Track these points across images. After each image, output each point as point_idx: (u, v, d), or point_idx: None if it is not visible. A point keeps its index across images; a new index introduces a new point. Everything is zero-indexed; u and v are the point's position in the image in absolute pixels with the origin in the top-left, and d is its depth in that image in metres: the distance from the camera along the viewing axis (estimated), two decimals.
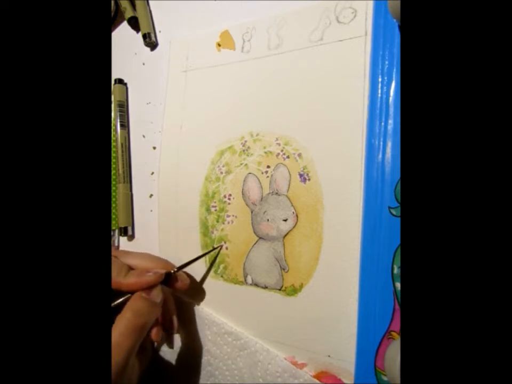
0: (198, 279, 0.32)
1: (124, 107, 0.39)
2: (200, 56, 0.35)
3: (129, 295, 0.27)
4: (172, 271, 0.29)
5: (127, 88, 0.40)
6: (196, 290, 0.32)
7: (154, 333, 0.29)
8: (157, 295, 0.27)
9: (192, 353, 0.31)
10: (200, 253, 0.32)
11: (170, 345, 0.33)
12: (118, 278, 0.27)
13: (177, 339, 0.33)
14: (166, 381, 0.32)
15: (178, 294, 0.32)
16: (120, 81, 0.39)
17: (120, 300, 0.27)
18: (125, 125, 0.38)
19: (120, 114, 0.38)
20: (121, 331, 0.24)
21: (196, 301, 0.32)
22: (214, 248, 0.31)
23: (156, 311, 0.27)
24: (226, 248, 0.31)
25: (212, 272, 0.32)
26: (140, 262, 0.29)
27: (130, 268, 0.29)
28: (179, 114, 0.35)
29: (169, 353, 0.33)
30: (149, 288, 0.27)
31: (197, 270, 0.33)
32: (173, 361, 0.32)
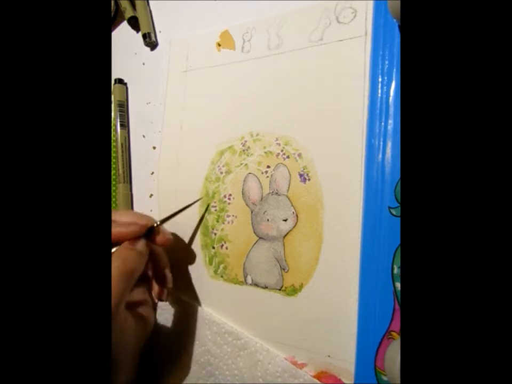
0: (198, 278, 0.32)
1: (124, 107, 0.39)
2: (200, 56, 0.35)
3: (113, 249, 0.27)
4: (155, 224, 0.30)
5: (127, 88, 0.40)
6: (196, 290, 0.32)
7: (157, 292, 0.30)
8: (142, 246, 0.28)
9: (192, 352, 0.31)
10: (200, 254, 0.32)
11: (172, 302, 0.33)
12: None
13: (177, 339, 0.33)
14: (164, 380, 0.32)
15: (177, 294, 0.32)
16: (120, 81, 0.39)
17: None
18: (125, 125, 0.38)
19: (120, 114, 0.38)
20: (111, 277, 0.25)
21: (196, 301, 0.32)
22: (195, 202, 0.33)
23: (142, 260, 0.28)
24: (226, 248, 0.31)
25: (212, 272, 0.32)
26: (122, 218, 0.29)
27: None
28: (179, 114, 0.36)
29: (169, 353, 0.33)
30: (133, 240, 0.28)
31: (197, 270, 0.33)
32: (172, 361, 0.32)
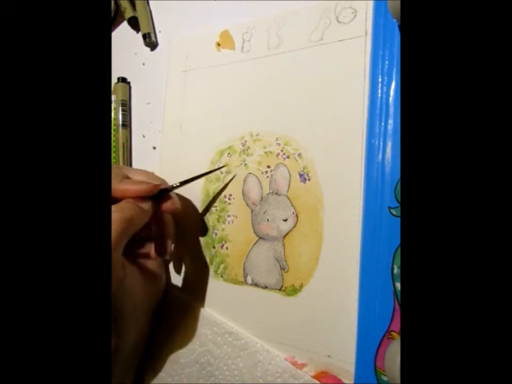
0: (198, 279, 0.32)
1: (126, 106, 0.39)
2: (200, 56, 0.35)
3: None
4: (171, 186, 0.29)
5: (130, 87, 0.39)
6: (196, 290, 0.32)
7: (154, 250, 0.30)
8: (145, 205, 0.27)
9: (192, 352, 0.31)
10: (201, 252, 0.32)
11: (177, 270, 0.33)
12: (113, 184, 0.27)
13: (177, 338, 0.33)
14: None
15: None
16: (123, 79, 0.39)
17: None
18: (127, 125, 0.38)
19: (122, 114, 0.38)
20: None
21: (196, 301, 0.32)
22: (217, 169, 0.32)
23: (143, 216, 0.27)
24: (227, 248, 0.31)
25: (212, 272, 0.32)
26: (136, 176, 0.29)
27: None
28: (179, 114, 0.35)
29: (169, 353, 0.33)
30: (139, 198, 0.27)
31: (196, 270, 0.33)
32: (172, 360, 0.32)
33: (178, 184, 0.29)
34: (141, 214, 0.26)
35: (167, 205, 0.29)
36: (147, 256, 0.30)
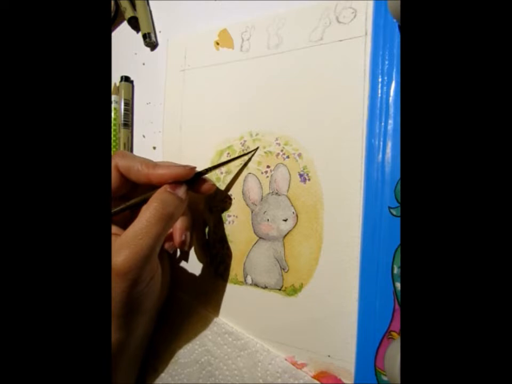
0: (198, 279, 0.33)
1: (129, 105, 0.38)
2: (199, 55, 0.35)
3: (148, 193, 0.27)
4: (205, 169, 0.28)
5: (133, 86, 0.39)
6: (196, 290, 0.32)
7: (167, 246, 0.29)
8: (182, 192, 0.27)
9: (192, 352, 0.31)
10: (201, 252, 0.32)
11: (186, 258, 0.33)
12: (147, 170, 0.27)
13: (178, 338, 0.33)
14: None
15: (183, 294, 0.32)
16: (126, 79, 0.39)
17: (141, 197, 0.27)
18: (129, 124, 0.38)
19: (124, 113, 0.38)
20: (148, 218, 0.24)
21: (196, 301, 0.32)
22: (250, 152, 0.31)
23: (181, 206, 0.26)
24: (227, 248, 0.31)
25: (212, 272, 0.32)
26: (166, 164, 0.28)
27: None
28: (178, 114, 0.35)
29: (169, 353, 0.33)
30: (174, 184, 0.27)
31: (197, 270, 0.33)
32: (172, 360, 0.32)
33: (211, 167, 0.29)
34: (180, 207, 0.26)
35: (205, 187, 0.29)
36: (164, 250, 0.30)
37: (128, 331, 0.26)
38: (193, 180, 0.28)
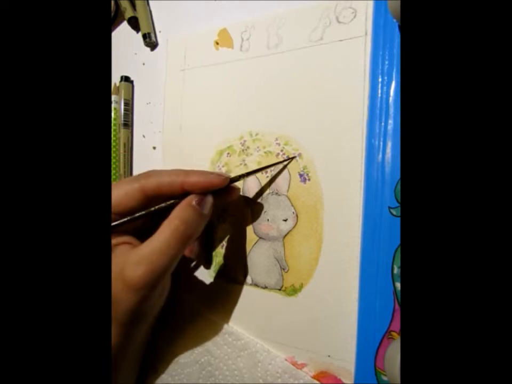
0: (198, 279, 0.33)
1: (129, 105, 0.38)
2: (198, 55, 0.35)
3: (172, 201, 0.25)
4: (238, 176, 0.27)
5: (133, 86, 0.39)
6: (196, 290, 0.32)
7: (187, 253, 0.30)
8: (208, 207, 0.26)
9: (192, 352, 0.31)
10: (201, 252, 0.32)
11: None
12: (179, 178, 0.25)
13: (179, 339, 0.33)
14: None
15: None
16: (126, 79, 0.39)
17: (164, 204, 0.25)
18: (129, 124, 0.38)
19: (125, 113, 0.38)
20: (167, 239, 0.23)
21: (196, 301, 0.32)
22: (286, 160, 0.29)
23: (203, 223, 0.26)
24: (227, 248, 0.31)
25: (212, 272, 0.32)
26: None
27: None
28: (178, 114, 0.35)
29: (169, 353, 0.33)
30: (202, 195, 0.26)
31: (196, 270, 0.33)
32: (172, 360, 0.32)
33: (245, 173, 0.28)
34: (202, 224, 0.25)
35: (234, 194, 0.28)
36: None
37: (129, 337, 0.26)
38: (224, 188, 0.27)
